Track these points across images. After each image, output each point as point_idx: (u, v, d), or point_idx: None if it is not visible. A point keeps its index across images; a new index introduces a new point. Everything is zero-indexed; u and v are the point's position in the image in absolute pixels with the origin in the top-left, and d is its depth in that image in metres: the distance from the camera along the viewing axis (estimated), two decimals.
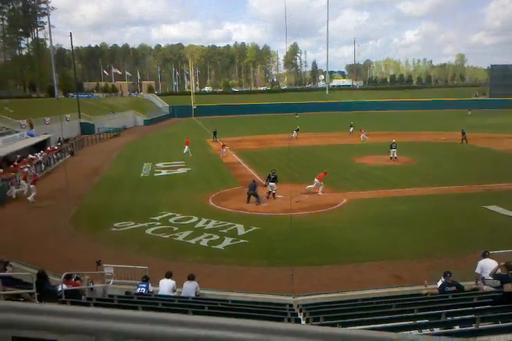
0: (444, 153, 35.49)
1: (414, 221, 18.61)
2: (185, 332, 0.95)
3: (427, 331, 7.11)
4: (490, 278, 10.01)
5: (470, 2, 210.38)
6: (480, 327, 6.79)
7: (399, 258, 14.69)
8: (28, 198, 22.97)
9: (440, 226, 17.69)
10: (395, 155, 32.80)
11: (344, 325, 7.47)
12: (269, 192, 22.75)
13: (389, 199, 22.19)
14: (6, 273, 10.51)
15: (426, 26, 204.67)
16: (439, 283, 10.66)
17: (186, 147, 37.73)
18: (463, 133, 39.78)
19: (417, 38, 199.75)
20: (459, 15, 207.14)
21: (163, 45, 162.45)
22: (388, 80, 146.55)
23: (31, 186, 23.98)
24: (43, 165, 31.95)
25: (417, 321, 7.65)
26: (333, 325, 7.41)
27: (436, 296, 10.11)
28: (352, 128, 49.52)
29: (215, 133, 47.34)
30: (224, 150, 37.41)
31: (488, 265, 10.47)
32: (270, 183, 22.63)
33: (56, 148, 38.35)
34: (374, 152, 35.93)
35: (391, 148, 32.84)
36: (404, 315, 8.13)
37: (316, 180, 23.39)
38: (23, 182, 24.66)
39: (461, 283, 10.56)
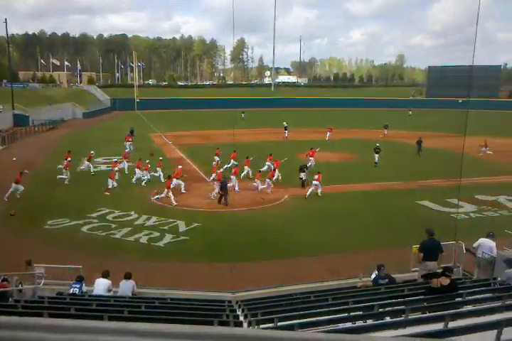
0: (384, 149, 36.55)
1: (352, 216, 19.20)
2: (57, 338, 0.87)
3: (361, 323, 7.29)
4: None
5: (416, 3, 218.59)
6: (409, 317, 7.04)
7: (336, 252, 15.10)
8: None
9: (376, 221, 18.37)
10: (376, 161, 29.58)
11: (282, 319, 7.53)
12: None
13: (330, 195, 22.66)
14: None
15: (372, 26, 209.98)
16: (373, 276, 11.04)
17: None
18: (419, 143, 34.04)
19: (362, 37, 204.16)
20: (403, 17, 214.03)
21: (105, 35, 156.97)
22: (332, 78, 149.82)
23: None
24: None
25: (352, 313, 7.84)
26: (271, 320, 7.46)
27: (370, 289, 10.45)
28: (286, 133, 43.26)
29: (131, 132, 40.01)
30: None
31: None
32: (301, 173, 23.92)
33: None
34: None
35: (375, 152, 29.93)
36: (339, 307, 8.31)
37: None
38: None
39: (394, 276, 10.97)
